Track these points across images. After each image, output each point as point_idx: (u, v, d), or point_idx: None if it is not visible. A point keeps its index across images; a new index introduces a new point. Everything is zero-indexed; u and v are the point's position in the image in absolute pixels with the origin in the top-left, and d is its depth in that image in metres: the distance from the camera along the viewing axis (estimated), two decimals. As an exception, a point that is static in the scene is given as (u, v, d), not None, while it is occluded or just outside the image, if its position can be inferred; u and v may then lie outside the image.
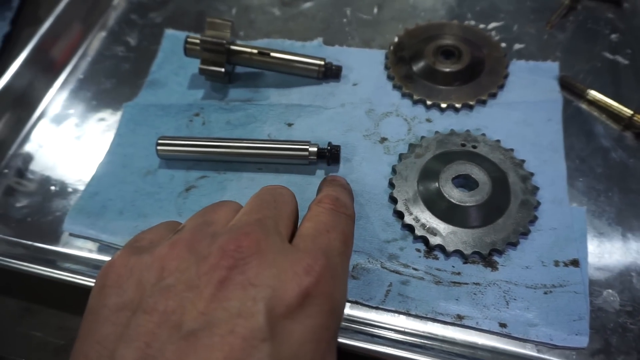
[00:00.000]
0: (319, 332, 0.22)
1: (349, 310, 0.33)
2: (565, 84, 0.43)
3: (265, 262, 0.23)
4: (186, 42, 0.43)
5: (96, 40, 0.51)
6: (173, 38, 0.50)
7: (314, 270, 0.23)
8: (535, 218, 0.35)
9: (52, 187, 0.41)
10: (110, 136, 0.43)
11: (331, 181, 0.33)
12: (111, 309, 0.23)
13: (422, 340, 0.31)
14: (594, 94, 0.41)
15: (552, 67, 0.44)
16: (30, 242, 0.38)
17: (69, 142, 0.44)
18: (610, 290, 0.33)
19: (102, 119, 0.45)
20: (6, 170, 0.42)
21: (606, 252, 0.34)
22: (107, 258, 0.37)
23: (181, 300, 0.22)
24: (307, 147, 0.38)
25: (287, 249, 0.24)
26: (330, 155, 0.38)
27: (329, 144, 0.39)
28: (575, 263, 0.33)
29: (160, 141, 0.39)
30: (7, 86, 0.44)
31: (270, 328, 0.21)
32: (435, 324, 0.32)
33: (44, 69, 0.47)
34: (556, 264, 0.33)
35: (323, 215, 0.28)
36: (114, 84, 0.47)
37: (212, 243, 0.23)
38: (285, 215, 0.27)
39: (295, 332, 0.21)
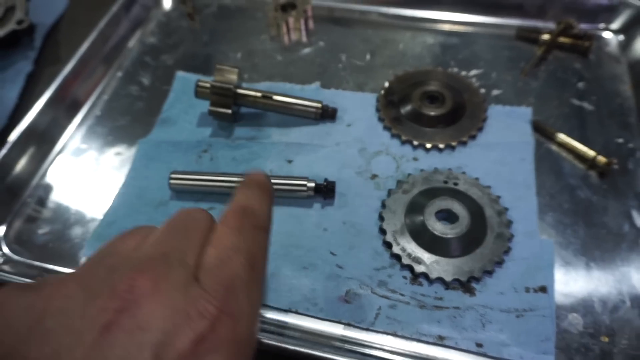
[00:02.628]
0: None
1: (342, 331, 0.36)
2: (537, 127, 0.48)
3: (159, 303, 0.20)
4: (197, 85, 0.47)
5: (113, 80, 0.55)
6: (183, 79, 0.54)
7: (208, 312, 0.21)
8: (509, 249, 0.39)
9: (72, 216, 0.45)
10: (125, 169, 0.47)
11: (244, 183, 0.30)
12: None
13: (408, 359, 0.35)
14: (562, 136, 0.46)
15: (525, 112, 0.49)
16: (51, 266, 0.42)
17: (88, 174, 0.48)
18: (574, 314, 0.37)
19: (118, 153, 0.49)
20: (29, 199, 0.46)
21: (571, 280, 0.38)
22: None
23: (58, 347, 0.19)
24: (305, 182, 0.42)
25: (188, 286, 0.22)
26: (326, 190, 0.42)
27: (325, 179, 0.43)
28: (543, 289, 0.37)
29: (172, 175, 0.43)
30: (32, 123, 0.48)
31: None
32: (420, 344, 0.36)
33: (65, 107, 0.52)
34: (527, 290, 0.37)
35: (226, 238, 0.25)
36: (128, 120, 0.52)
37: (106, 279, 0.21)
38: (196, 244, 0.24)
39: None
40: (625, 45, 0.54)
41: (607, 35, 0.56)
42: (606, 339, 0.35)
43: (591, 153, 0.44)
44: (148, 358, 0.19)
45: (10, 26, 0.57)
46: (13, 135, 0.47)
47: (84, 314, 0.20)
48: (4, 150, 0.46)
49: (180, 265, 0.22)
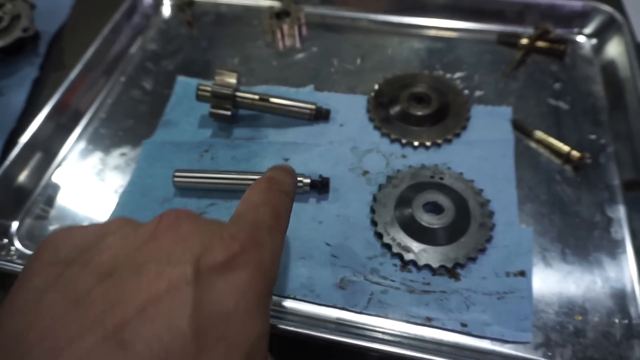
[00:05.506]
0: (245, 288, 0.23)
1: (338, 314, 0.39)
2: (517, 125, 0.51)
3: (197, 222, 0.24)
4: (198, 89, 0.50)
5: (116, 85, 0.58)
6: (184, 84, 0.57)
7: (239, 237, 0.24)
8: (491, 237, 0.42)
9: (80, 213, 0.47)
10: (130, 169, 0.50)
11: (270, 169, 0.34)
12: (43, 263, 0.23)
13: (398, 338, 0.38)
14: (540, 134, 0.50)
15: (506, 111, 0.52)
16: (62, 261, 0.44)
17: (94, 173, 0.50)
18: (550, 296, 0.40)
19: (123, 154, 0.52)
20: (39, 198, 0.49)
21: (548, 265, 0.42)
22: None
23: (117, 253, 0.23)
24: (301, 178, 0.45)
25: (217, 220, 0.26)
26: (320, 186, 0.45)
27: (320, 176, 0.46)
28: (522, 274, 0.40)
29: (176, 173, 0.46)
30: (41, 126, 0.50)
31: (196, 277, 0.22)
32: (409, 325, 0.38)
33: (71, 111, 0.54)
34: (507, 274, 0.40)
35: (253, 195, 0.29)
36: (132, 123, 0.54)
37: (153, 219, 0.25)
38: None
39: (219, 283, 0.22)
40: (597, 49, 0.58)
41: (581, 39, 0.60)
42: (579, 318, 0.39)
43: (566, 148, 0.48)
44: (190, 260, 0.22)
45: (16, 34, 0.60)
46: (23, 138, 0.49)
47: (137, 233, 0.24)
48: (15, 152, 0.48)
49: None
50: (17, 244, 0.45)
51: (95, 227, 0.25)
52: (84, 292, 0.21)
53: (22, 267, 0.41)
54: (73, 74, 0.55)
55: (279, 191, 0.30)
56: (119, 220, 0.26)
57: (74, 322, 0.20)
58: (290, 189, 0.32)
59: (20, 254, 0.44)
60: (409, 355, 0.35)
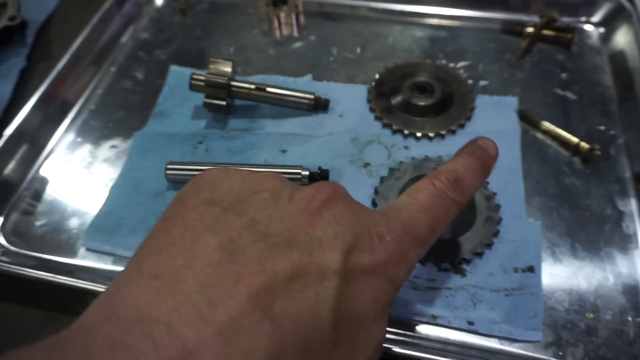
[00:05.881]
0: (378, 295, 0.23)
1: (338, 312, 0.38)
2: (523, 116, 0.49)
3: (351, 208, 0.24)
4: (192, 78, 0.48)
5: (106, 75, 0.56)
6: (177, 73, 0.55)
7: (386, 241, 0.23)
8: (498, 232, 0.41)
9: (69, 208, 0.45)
10: (121, 162, 0.48)
11: (472, 151, 0.30)
12: (202, 201, 0.23)
13: (402, 337, 0.36)
14: (547, 124, 0.48)
15: (512, 102, 0.50)
16: (49, 257, 0.42)
17: (83, 167, 0.48)
18: (560, 292, 0.38)
19: (113, 146, 0.49)
20: (25, 192, 0.47)
21: (557, 260, 0.40)
22: (121, 269, 0.41)
23: (270, 214, 0.22)
24: (300, 171, 0.43)
25: (370, 209, 0.25)
26: (320, 179, 0.43)
27: (319, 168, 0.44)
28: (531, 269, 0.39)
29: (169, 166, 0.44)
30: (27, 117, 0.48)
31: (343, 266, 0.21)
32: (413, 323, 0.37)
33: (59, 101, 0.52)
34: (515, 270, 0.39)
35: (423, 194, 0.27)
36: (123, 114, 0.52)
37: (311, 186, 0.25)
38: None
39: (360, 282, 0.22)
40: (605, 38, 0.56)
41: (588, 28, 0.58)
42: (591, 315, 0.37)
43: (574, 140, 0.46)
44: (341, 247, 0.22)
45: (2, 22, 0.57)
46: (8, 130, 0.47)
47: (292, 197, 0.23)
48: (0, 143, 0.46)
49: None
50: (2, 240, 0.43)
51: (252, 176, 0.25)
52: (239, 247, 0.21)
53: (5, 265, 0.40)
54: (61, 64, 0.52)
55: (452, 201, 0.27)
56: (274, 177, 0.25)
57: (228, 275, 0.20)
58: (467, 198, 0.28)
59: (5, 251, 0.42)
60: (413, 356, 0.34)
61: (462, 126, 0.48)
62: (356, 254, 0.22)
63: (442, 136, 0.48)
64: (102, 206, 0.44)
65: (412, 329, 0.37)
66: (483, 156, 0.30)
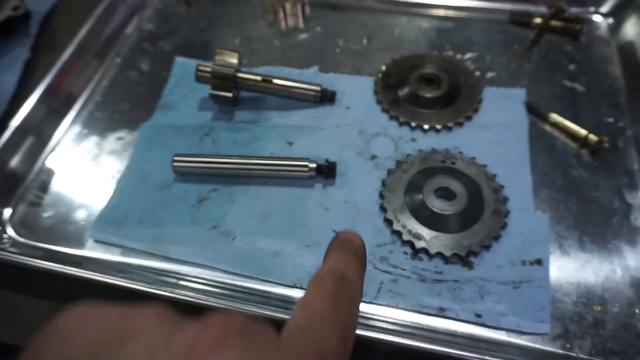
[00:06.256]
0: None
1: (346, 304, 0.38)
2: (530, 108, 0.49)
3: (249, 346, 0.19)
4: (198, 70, 0.48)
5: (112, 67, 0.56)
6: (183, 65, 0.55)
7: None
8: (505, 224, 0.41)
9: (76, 199, 0.45)
10: (127, 153, 0.48)
11: (341, 246, 0.28)
12: None
13: (410, 329, 0.36)
14: (555, 116, 0.48)
15: (519, 93, 0.50)
16: (57, 248, 0.42)
17: (90, 158, 0.48)
18: (568, 285, 0.38)
19: (120, 138, 0.49)
20: (32, 184, 0.47)
21: (565, 253, 0.40)
22: (129, 261, 0.41)
23: None
24: (307, 163, 0.43)
25: (274, 340, 0.20)
26: (327, 171, 0.43)
27: (326, 160, 0.44)
28: (539, 262, 0.39)
29: (176, 158, 0.44)
30: (33, 109, 0.48)
31: None
32: (421, 315, 0.37)
33: (65, 93, 0.52)
34: (523, 263, 0.39)
35: (320, 303, 0.23)
36: (129, 106, 0.52)
37: (196, 321, 0.19)
38: None
39: None
40: (614, 28, 0.56)
41: (597, 18, 0.57)
42: (599, 308, 0.37)
43: (583, 132, 0.46)
44: None
45: (6, 12, 0.57)
46: (15, 121, 0.47)
47: (170, 345, 0.18)
48: (6, 136, 0.46)
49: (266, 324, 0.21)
50: (10, 232, 0.43)
51: (119, 315, 0.20)
52: None
53: (14, 256, 0.40)
54: (66, 55, 0.52)
55: (348, 301, 0.24)
56: (150, 312, 0.20)
57: None
58: (360, 294, 0.26)
59: (14, 242, 0.43)
60: (421, 347, 0.34)
61: (469, 118, 0.48)
62: None
63: (450, 128, 0.47)
64: (110, 198, 0.44)
65: (420, 321, 0.37)
66: (352, 248, 0.28)
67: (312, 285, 0.24)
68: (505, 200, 0.42)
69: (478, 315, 0.37)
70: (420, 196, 0.42)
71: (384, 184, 0.43)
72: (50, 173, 0.47)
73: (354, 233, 0.29)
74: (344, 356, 0.22)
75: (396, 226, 0.41)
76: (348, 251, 0.27)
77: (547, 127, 0.48)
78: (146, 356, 0.18)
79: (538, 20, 0.56)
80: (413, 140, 0.47)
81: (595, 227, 0.41)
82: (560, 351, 0.35)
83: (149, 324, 0.19)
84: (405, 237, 0.40)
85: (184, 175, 0.45)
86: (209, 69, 0.47)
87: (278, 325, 0.34)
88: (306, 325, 0.22)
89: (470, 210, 0.41)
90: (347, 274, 0.25)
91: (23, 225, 0.44)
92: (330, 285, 0.24)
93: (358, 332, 0.34)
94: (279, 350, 0.20)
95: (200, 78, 0.48)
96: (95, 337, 0.19)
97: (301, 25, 0.59)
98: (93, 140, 0.50)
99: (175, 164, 0.44)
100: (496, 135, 0.47)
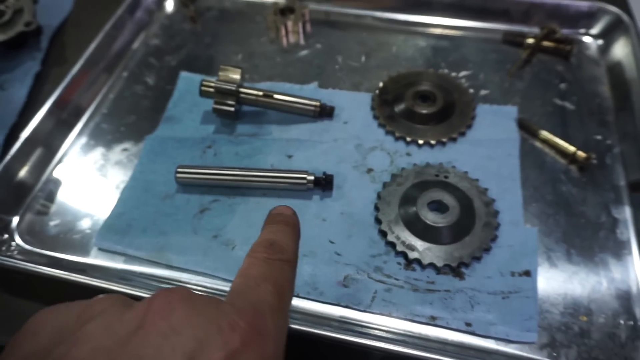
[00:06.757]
0: None
1: (342, 312, 0.39)
2: (522, 125, 0.50)
3: (193, 309, 0.22)
4: (202, 85, 0.50)
5: (118, 80, 0.58)
6: (187, 79, 0.57)
7: (239, 326, 0.22)
8: (496, 237, 0.42)
9: (82, 208, 0.47)
10: (132, 164, 0.49)
11: (272, 219, 0.32)
12: (19, 357, 0.21)
13: (402, 337, 0.37)
14: (545, 133, 0.49)
15: (511, 111, 0.52)
16: (63, 256, 0.44)
17: (96, 169, 0.50)
18: (556, 296, 0.39)
19: (125, 149, 0.51)
20: (40, 193, 0.48)
21: (553, 265, 0.41)
22: (132, 268, 0.42)
23: (95, 344, 0.20)
24: (305, 175, 0.45)
25: (215, 302, 0.23)
26: (324, 183, 0.45)
27: (324, 173, 0.46)
28: (527, 273, 0.40)
29: (179, 169, 0.46)
30: (42, 121, 0.50)
31: None
32: (413, 324, 0.38)
33: (73, 105, 0.54)
34: (512, 274, 0.40)
35: (254, 268, 0.26)
36: (134, 118, 0.54)
37: (143, 301, 0.23)
38: None
39: None
40: (604, 49, 0.58)
41: (587, 39, 0.59)
42: (585, 318, 0.38)
43: (572, 149, 0.47)
44: (180, 358, 0.20)
45: (19, 28, 0.59)
46: (24, 133, 0.49)
47: (123, 319, 0.21)
48: (16, 146, 0.48)
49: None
50: (18, 240, 0.45)
51: (79, 307, 0.23)
52: None
53: (21, 263, 0.41)
54: (75, 69, 0.54)
55: (280, 262, 0.27)
56: (105, 300, 0.23)
57: None
58: (293, 255, 0.29)
59: (21, 250, 0.44)
60: (413, 355, 0.35)
61: (463, 134, 0.50)
62: (204, 356, 0.20)
63: (444, 144, 0.49)
64: (114, 207, 0.46)
65: (412, 330, 0.38)
66: (283, 219, 0.31)
67: (246, 257, 0.28)
68: (496, 213, 0.43)
69: (468, 324, 0.38)
70: (414, 209, 0.43)
71: (379, 196, 0.45)
72: (57, 183, 0.49)
73: (285, 206, 0.33)
74: (280, 307, 0.25)
75: (390, 237, 0.42)
76: (278, 222, 0.31)
77: (538, 144, 0.50)
78: (103, 330, 0.21)
79: (530, 40, 0.58)
80: (408, 154, 0.49)
81: (582, 241, 0.43)
82: (547, 359, 0.36)
83: (105, 307, 0.22)
84: (399, 248, 0.41)
85: (187, 186, 0.47)
86: (212, 84, 0.49)
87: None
88: (242, 287, 0.25)
89: (462, 223, 0.42)
90: (277, 240, 0.29)
91: (30, 233, 0.45)
92: (261, 252, 0.27)
93: (353, 339, 0.36)
94: (218, 309, 0.22)
95: (204, 93, 0.50)
96: (60, 326, 0.22)
97: (302, 42, 0.61)
98: (99, 151, 0.51)
99: (178, 175, 0.46)
100: (488, 150, 0.48)
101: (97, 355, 0.20)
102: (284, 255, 0.28)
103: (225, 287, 0.41)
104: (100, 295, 0.24)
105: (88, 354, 0.20)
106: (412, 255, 0.41)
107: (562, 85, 0.55)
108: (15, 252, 0.44)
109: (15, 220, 0.46)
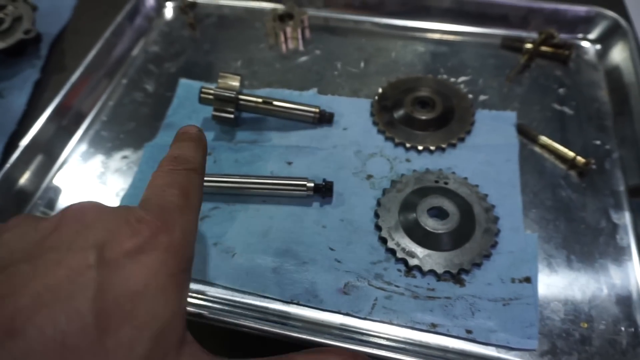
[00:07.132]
0: (156, 269, 0.23)
1: (342, 319, 0.39)
2: (521, 130, 0.51)
3: (102, 209, 0.25)
4: (201, 92, 0.50)
5: (118, 87, 0.58)
6: (187, 86, 0.57)
7: (147, 220, 0.24)
8: (496, 243, 0.42)
9: (82, 216, 0.47)
10: (132, 172, 0.49)
11: (177, 138, 0.34)
12: None
13: (403, 345, 0.37)
14: (544, 139, 0.49)
15: (510, 116, 0.52)
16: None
17: (95, 176, 0.50)
18: (556, 302, 0.39)
19: (125, 157, 0.51)
20: (39, 201, 0.48)
21: (553, 271, 0.41)
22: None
23: (11, 247, 0.23)
24: (305, 182, 0.45)
25: (126, 206, 0.26)
26: (324, 190, 0.45)
27: (324, 180, 0.46)
28: (528, 280, 0.40)
29: (179, 177, 0.46)
30: (42, 129, 0.50)
31: (100, 262, 0.22)
32: (414, 331, 0.38)
33: (72, 113, 0.54)
34: (512, 280, 0.40)
35: (159, 179, 0.29)
36: (134, 125, 0.54)
37: (57, 212, 0.25)
38: None
39: (127, 265, 0.22)
40: (602, 54, 0.58)
41: (585, 44, 0.60)
42: (585, 325, 0.38)
43: (571, 154, 0.48)
44: (92, 245, 0.22)
45: (18, 36, 0.59)
46: (24, 141, 0.49)
47: (38, 227, 0.24)
48: (16, 154, 0.48)
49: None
50: (18, 247, 0.45)
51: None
52: None
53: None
54: (74, 76, 0.54)
55: (185, 170, 0.29)
56: (19, 217, 0.26)
57: None
58: (198, 165, 0.31)
59: (21, 258, 0.44)
60: (414, 363, 0.35)
61: (462, 140, 0.50)
62: (115, 243, 0.23)
63: (443, 149, 0.49)
64: (114, 215, 0.46)
65: (413, 337, 0.38)
66: (188, 136, 0.33)
67: (153, 173, 0.29)
68: (496, 219, 0.43)
69: (469, 331, 0.38)
70: (414, 215, 0.43)
71: (379, 203, 0.45)
72: (57, 191, 0.49)
73: (190, 125, 0.35)
74: (187, 205, 0.27)
75: (390, 244, 0.42)
76: (182, 140, 0.33)
77: (537, 149, 0.50)
78: (19, 237, 0.24)
79: (529, 45, 0.58)
80: (408, 160, 0.49)
81: (582, 246, 0.43)
82: (548, 367, 0.36)
83: (19, 222, 0.25)
84: (399, 254, 0.41)
85: (187, 193, 0.47)
86: (211, 92, 0.49)
87: (277, 342, 0.36)
88: (149, 195, 0.27)
89: (462, 229, 0.42)
90: (182, 153, 0.31)
91: (30, 241, 0.45)
92: (165, 165, 0.29)
93: (353, 347, 0.36)
94: (128, 209, 0.25)
95: (203, 100, 0.50)
96: None
97: (301, 48, 0.61)
98: (99, 159, 0.51)
99: (178, 182, 0.46)
100: (488, 156, 0.48)
101: (14, 256, 0.22)
102: (189, 165, 0.30)
103: (226, 294, 0.41)
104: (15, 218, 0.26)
105: (6, 254, 0.23)
106: (413, 262, 0.41)
107: (561, 90, 0.55)
108: (15, 261, 0.44)
109: (15, 228, 0.46)
